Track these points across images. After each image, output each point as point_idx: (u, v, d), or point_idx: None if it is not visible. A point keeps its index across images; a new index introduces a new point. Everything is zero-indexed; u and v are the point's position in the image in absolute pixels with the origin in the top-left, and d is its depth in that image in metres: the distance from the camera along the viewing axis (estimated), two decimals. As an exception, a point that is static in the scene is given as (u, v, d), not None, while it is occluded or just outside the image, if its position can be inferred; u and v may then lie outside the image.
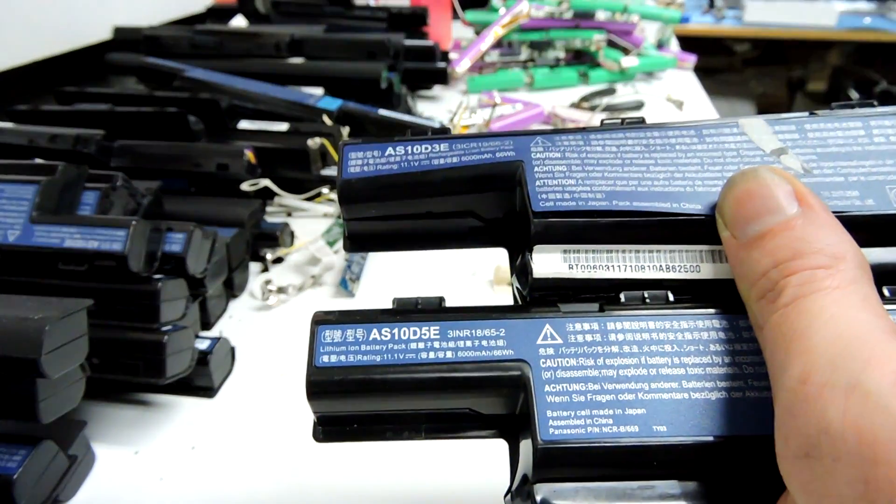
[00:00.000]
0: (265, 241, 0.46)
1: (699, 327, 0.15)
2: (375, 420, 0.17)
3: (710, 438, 0.14)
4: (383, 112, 0.57)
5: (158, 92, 0.59)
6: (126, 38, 0.73)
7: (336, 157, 0.51)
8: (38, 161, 0.42)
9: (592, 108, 0.73)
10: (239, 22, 0.83)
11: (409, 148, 0.18)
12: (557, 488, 0.14)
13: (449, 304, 0.18)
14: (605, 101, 0.75)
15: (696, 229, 0.16)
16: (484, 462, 0.30)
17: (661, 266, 0.16)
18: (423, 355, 0.16)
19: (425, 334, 0.16)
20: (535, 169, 0.17)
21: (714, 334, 0.15)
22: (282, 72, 0.65)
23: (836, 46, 2.29)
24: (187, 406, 0.34)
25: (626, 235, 0.16)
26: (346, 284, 0.42)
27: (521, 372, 0.15)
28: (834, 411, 0.11)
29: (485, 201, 0.18)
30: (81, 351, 0.25)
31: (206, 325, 0.39)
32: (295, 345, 0.38)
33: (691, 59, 0.96)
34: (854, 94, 1.81)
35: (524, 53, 0.91)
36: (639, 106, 0.77)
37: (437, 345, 0.16)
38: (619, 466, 0.14)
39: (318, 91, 0.61)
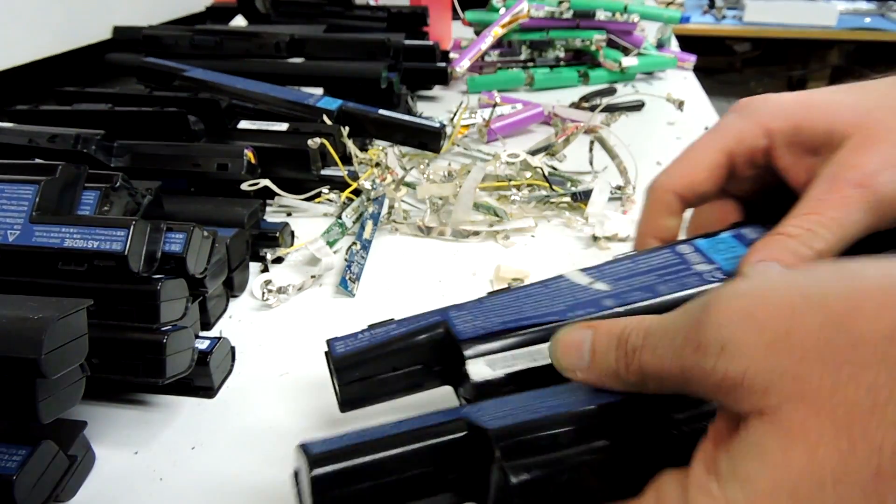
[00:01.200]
0: (265, 241, 0.46)
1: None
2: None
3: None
4: (383, 112, 0.57)
5: (158, 92, 0.59)
6: (126, 38, 0.73)
7: (336, 157, 0.51)
8: (38, 161, 0.42)
9: (592, 108, 0.73)
10: (239, 22, 0.83)
11: (373, 330, 0.28)
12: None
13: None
14: (605, 100, 0.75)
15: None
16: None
17: (544, 357, 0.25)
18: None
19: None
20: (454, 321, 0.27)
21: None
22: (282, 72, 0.65)
23: (836, 46, 2.29)
24: (187, 406, 0.34)
25: (517, 343, 0.26)
26: (346, 284, 0.42)
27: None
28: None
29: (427, 350, 0.28)
30: (81, 351, 0.25)
31: (206, 325, 0.39)
32: (295, 345, 0.38)
33: (691, 59, 0.96)
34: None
35: (524, 53, 0.91)
36: (639, 106, 0.77)
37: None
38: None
39: (318, 91, 0.61)
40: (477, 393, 0.25)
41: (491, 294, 0.29)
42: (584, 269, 0.29)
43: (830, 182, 0.25)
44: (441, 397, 0.28)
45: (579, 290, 0.28)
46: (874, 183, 0.24)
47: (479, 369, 0.25)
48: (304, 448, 0.20)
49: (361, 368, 0.27)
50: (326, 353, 0.28)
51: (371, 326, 0.28)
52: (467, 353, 0.26)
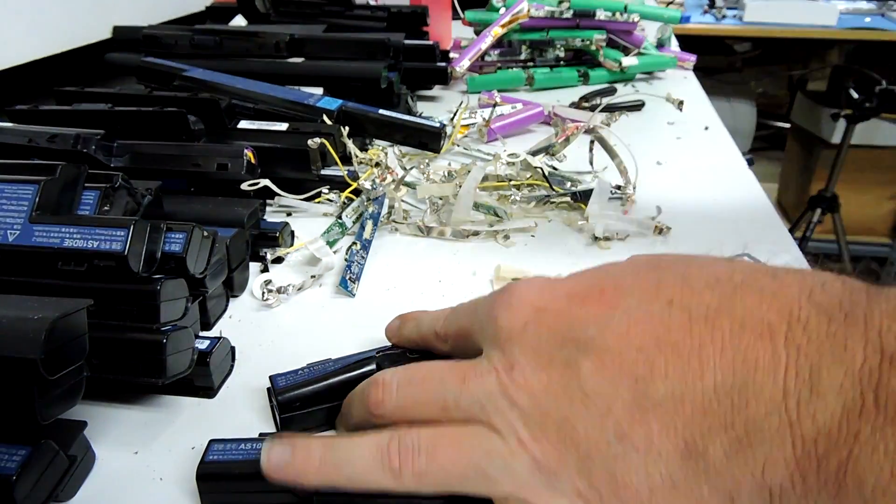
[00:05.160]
0: (265, 241, 0.46)
1: None
2: None
3: None
4: (383, 112, 0.57)
5: (158, 92, 0.59)
6: (126, 38, 0.73)
7: (336, 157, 0.51)
8: (38, 161, 0.42)
9: (592, 108, 0.73)
10: (239, 22, 0.83)
11: (312, 367, 0.32)
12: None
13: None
14: (605, 100, 0.75)
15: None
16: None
17: None
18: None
19: None
20: (384, 362, 0.31)
21: None
22: (282, 72, 0.65)
23: (836, 46, 2.29)
24: (187, 406, 0.34)
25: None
26: (346, 284, 0.42)
27: None
28: None
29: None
30: (81, 351, 0.25)
31: (206, 325, 0.39)
32: (295, 345, 0.38)
33: (691, 59, 0.96)
34: (854, 94, 1.81)
35: (524, 53, 0.91)
36: (639, 106, 0.77)
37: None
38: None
39: (318, 91, 0.61)
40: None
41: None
42: None
43: None
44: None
45: None
46: None
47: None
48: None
49: (302, 400, 0.30)
50: (269, 388, 0.32)
51: (310, 364, 0.32)
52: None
